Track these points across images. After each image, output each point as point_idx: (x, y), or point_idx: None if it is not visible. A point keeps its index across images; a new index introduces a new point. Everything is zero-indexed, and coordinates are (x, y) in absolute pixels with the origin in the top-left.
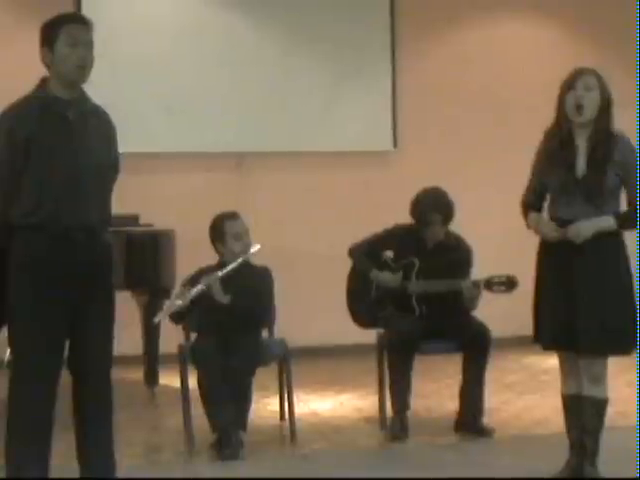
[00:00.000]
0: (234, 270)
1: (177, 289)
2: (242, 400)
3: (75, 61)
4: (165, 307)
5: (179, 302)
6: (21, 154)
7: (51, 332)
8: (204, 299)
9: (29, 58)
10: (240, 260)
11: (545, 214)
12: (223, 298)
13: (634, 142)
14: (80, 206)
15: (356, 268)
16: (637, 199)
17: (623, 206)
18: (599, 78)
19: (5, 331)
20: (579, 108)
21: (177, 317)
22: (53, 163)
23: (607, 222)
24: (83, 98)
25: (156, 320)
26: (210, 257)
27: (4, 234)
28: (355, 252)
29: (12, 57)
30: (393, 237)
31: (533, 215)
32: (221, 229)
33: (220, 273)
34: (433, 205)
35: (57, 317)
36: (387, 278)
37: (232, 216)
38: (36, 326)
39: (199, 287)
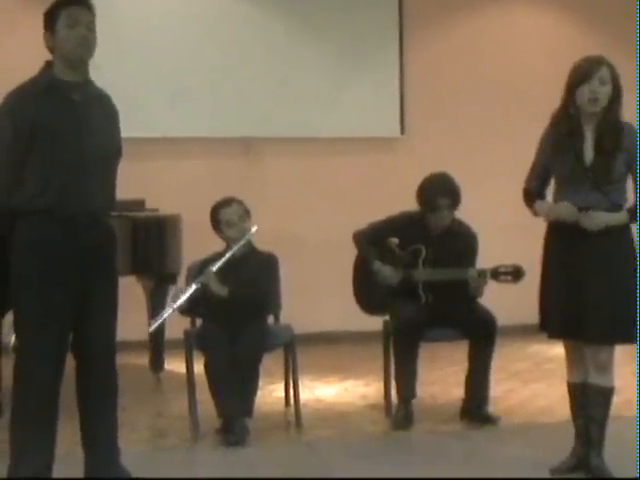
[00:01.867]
0: (235, 258)
1: (174, 289)
2: (248, 386)
3: (75, 39)
4: (161, 313)
5: (174, 306)
6: (26, 138)
7: (56, 316)
8: (206, 291)
9: (34, 44)
10: (237, 247)
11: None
12: (221, 290)
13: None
14: (85, 190)
15: (360, 254)
16: None
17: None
18: (612, 69)
19: (10, 316)
20: (595, 101)
21: (181, 312)
22: (58, 146)
23: (620, 217)
24: (87, 82)
25: (151, 329)
26: (216, 242)
27: (8, 219)
28: (359, 238)
29: (17, 43)
30: (398, 224)
31: (541, 203)
32: (216, 218)
33: (214, 267)
34: (441, 189)
35: (62, 301)
36: (387, 274)
37: (225, 203)
38: (41, 310)
39: (193, 286)
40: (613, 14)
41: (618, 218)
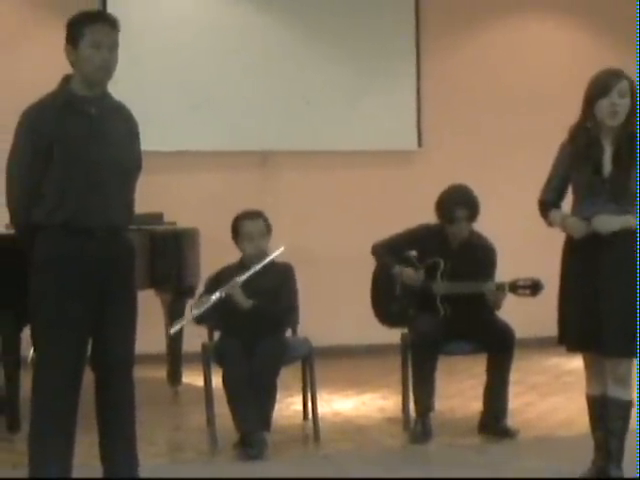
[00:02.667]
0: (254, 272)
1: (197, 297)
2: (266, 400)
3: (98, 63)
4: (183, 317)
5: (196, 312)
6: (43, 153)
7: (74, 330)
8: (227, 302)
9: (50, 55)
10: (261, 264)
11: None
12: (246, 303)
13: None
14: (103, 204)
15: (379, 264)
16: None
17: None
18: (631, 83)
19: (28, 330)
20: (615, 114)
21: (199, 320)
22: (76, 161)
23: (632, 220)
24: (105, 95)
25: (172, 331)
26: (234, 256)
27: (28, 233)
28: (378, 250)
29: (33, 54)
30: (417, 237)
31: (556, 212)
32: (237, 228)
33: (240, 279)
34: (459, 201)
35: (79, 314)
36: (410, 274)
37: (249, 216)
38: (59, 324)
39: (217, 295)
40: (629, 25)
41: (629, 221)
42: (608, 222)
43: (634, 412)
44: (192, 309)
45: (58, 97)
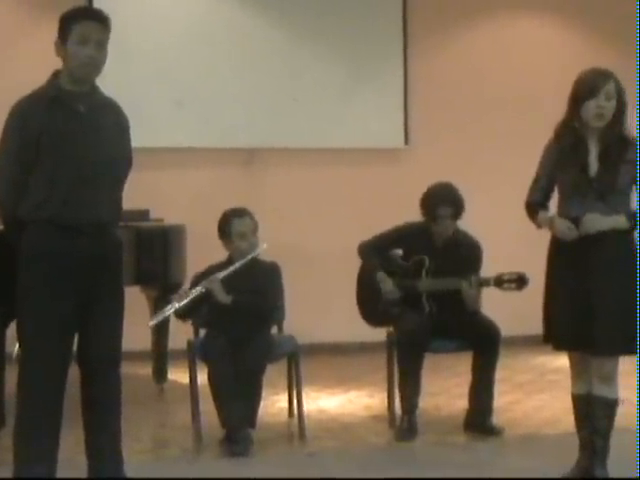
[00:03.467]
0: (239, 269)
1: (180, 290)
2: (252, 397)
3: (83, 59)
4: (163, 310)
5: (177, 305)
6: (31, 148)
7: (60, 326)
8: (210, 297)
9: (44, 54)
10: (243, 261)
11: (553, 213)
12: (225, 298)
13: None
14: (90, 200)
15: (364, 264)
16: None
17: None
18: (617, 83)
19: (13, 326)
20: (600, 117)
21: (181, 315)
22: (63, 157)
23: (620, 220)
24: (95, 91)
25: (151, 323)
26: (221, 252)
27: (15, 228)
28: (364, 250)
29: (30, 53)
30: (403, 235)
31: (544, 214)
32: (227, 227)
33: (221, 275)
34: (443, 199)
35: (66, 311)
36: (388, 288)
37: (239, 214)
38: (45, 319)
39: (198, 289)
40: (617, 24)
41: (617, 221)
42: (597, 222)
43: (635, 411)
44: (173, 301)
45: (46, 91)
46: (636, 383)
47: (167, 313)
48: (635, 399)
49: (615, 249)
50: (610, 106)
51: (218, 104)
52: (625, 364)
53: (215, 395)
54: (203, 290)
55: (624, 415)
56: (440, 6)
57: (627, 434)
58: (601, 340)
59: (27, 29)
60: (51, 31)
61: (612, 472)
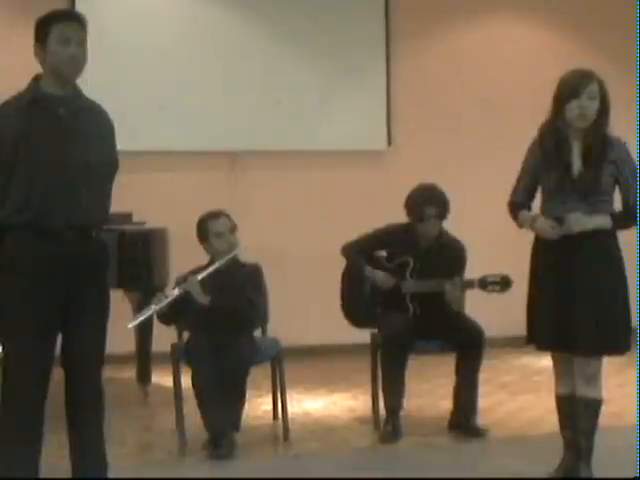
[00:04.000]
0: (220, 270)
1: (158, 293)
2: (236, 400)
3: (66, 58)
4: (142, 312)
5: (155, 307)
6: (9, 152)
7: (40, 330)
8: (189, 299)
9: (23, 57)
10: (223, 261)
11: (536, 212)
12: (203, 299)
13: (632, 140)
14: (69, 204)
15: (350, 266)
16: (632, 199)
17: (616, 206)
18: (601, 84)
19: None
20: (583, 117)
21: (163, 319)
22: (41, 161)
23: (604, 220)
24: (76, 94)
25: (130, 326)
26: (203, 255)
27: None
28: (348, 251)
29: (6, 56)
30: (386, 236)
31: (526, 213)
32: (204, 229)
33: (200, 276)
34: (429, 199)
35: (45, 315)
36: (381, 277)
37: (214, 215)
38: (25, 325)
39: (175, 291)
40: (599, 24)
41: (600, 221)
42: (581, 221)
43: (602, 410)
44: (152, 304)
45: (25, 96)
46: (636, 383)
47: (146, 315)
48: (635, 398)
49: (598, 249)
50: (593, 106)
51: (200, 107)
52: (608, 365)
53: (199, 399)
54: (181, 292)
55: (607, 415)
56: (422, 8)
57: (610, 434)
58: (582, 340)
59: (2, 33)
60: (28, 35)
61: (597, 472)
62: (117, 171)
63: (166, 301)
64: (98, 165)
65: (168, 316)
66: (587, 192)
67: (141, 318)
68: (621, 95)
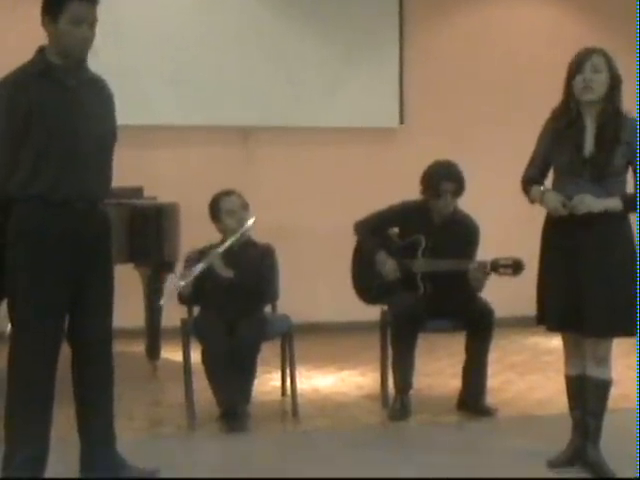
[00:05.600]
0: (235, 246)
1: (178, 270)
2: (246, 376)
3: (78, 40)
4: (168, 288)
5: (182, 283)
6: (20, 123)
7: (51, 303)
8: (207, 277)
9: (30, 33)
10: (238, 235)
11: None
12: (227, 272)
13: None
14: (80, 176)
15: (361, 245)
16: None
17: (628, 188)
18: (607, 58)
19: (5, 304)
20: (588, 89)
21: (185, 299)
22: (53, 132)
23: (614, 202)
24: (81, 67)
25: (161, 302)
26: (214, 231)
27: (4, 206)
28: (361, 229)
29: (13, 32)
30: (400, 214)
31: (536, 188)
32: (216, 207)
33: (220, 249)
34: (446, 175)
35: (57, 288)
36: (387, 268)
37: (226, 193)
38: (36, 297)
39: (201, 265)
40: (613, 6)
41: (609, 204)
42: (587, 202)
43: (612, 391)
44: (177, 280)
45: (34, 67)
46: (636, 365)
47: (172, 288)
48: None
49: (608, 231)
50: (598, 79)
51: (213, 82)
52: (618, 346)
53: (209, 374)
54: (205, 267)
55: (616, 396)
56: None
57: (619, 415)
58: (591, 322)
59: (11, 8)
60: (34, 8)
61: (604, 453)
62: (115, 143)
63: (191, 276)
64: (104, 137)
65: (191, 295)
66: (599, 174)
67: (169, 292)
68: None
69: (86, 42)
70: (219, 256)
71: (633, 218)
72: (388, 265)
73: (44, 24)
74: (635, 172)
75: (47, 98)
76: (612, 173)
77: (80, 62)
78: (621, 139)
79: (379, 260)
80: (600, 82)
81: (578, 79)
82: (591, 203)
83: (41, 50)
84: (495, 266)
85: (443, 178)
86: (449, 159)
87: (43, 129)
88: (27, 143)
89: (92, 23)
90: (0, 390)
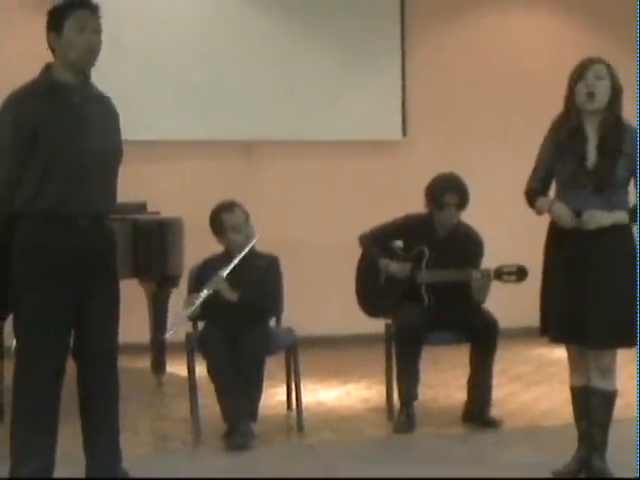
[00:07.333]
0: (240, 261)
1: (187, 297)
2: (252, 390)
3: (83, 46)
4: (175, 319)
5: (187, 312)
6: (26, 140)
7: (56, 319)
8: (217, 297)
9: (32, 45)
10: (243, 253)
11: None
12: (231, 296)
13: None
14: (85, 192)
15: (365, 256)
16: None
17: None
18: (609, 67)
19: (11, 319)
20: (590, 95)
21: (194, 320)
22: (59, 149)
23: (621, 216)
24: (87, 84)
25: (168, 335)
26: (217, 245)
27: (9, 223)
28: (365, 240)
29: (15, 43)
30: (403, 226)
31: (544, 199)
32: (220, 223)
33: (225, 272)
34: (450, 187)
35: (62, 304)
36: (395, 268)
37: (228, 207)
38: (41, 313)
39: (205, 292)
40: (616, 16)
41: (617, 217)
42: (598, 218)
43: (617, 402)
44: (183, 309)
45: (41, 84)
46: (636, 378)
47: (180, 322)
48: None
49: (612, 244)
50: (601, 86)
51: (215, 97)
52: (622, 356)
53: (216, 389)
54: (210, 292)
55: (621, 406)
56: None
57: (625, 425)
58: (594, 333)
59: (16, 19)
60: (40, 25)
61: (610, 464)
62: (121, 160)
63: (197, 303)
64: (109, 154)
65: (199, 317)
66: (602, 186)
67: (176, 326)
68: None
69: (92, 47)
70: (224, 280)
71: (634, 228)
72: (393, 266)
73: (49, 42)
74: (636, 184)
75: (52, 115)
76: (615, 184)
77: (86, 71)
78: (623, 150)
79: (383, 266)
80: (603, 89)
81: (580, 86)
82: (601, 219)
83: (47, 67)
84: (499, 273)
85: (447, 191)
86: (453, 172)
87: (48, 146)
88: (33, 160)
89: (96, 30)
90: (7, 404)
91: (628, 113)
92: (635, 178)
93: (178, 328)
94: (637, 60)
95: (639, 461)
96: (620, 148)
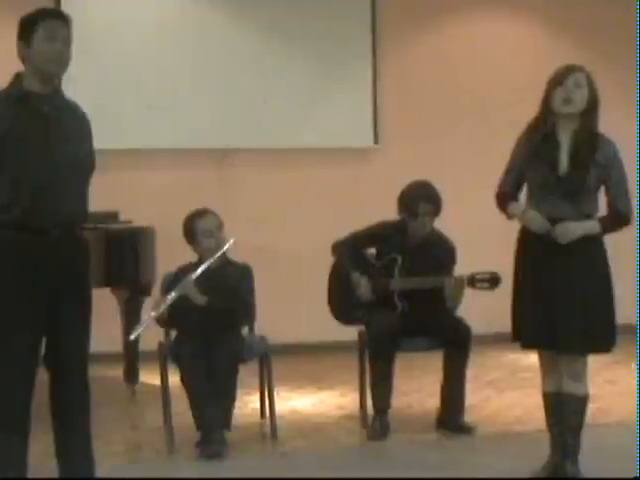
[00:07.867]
0: (211, 269)
1: (153, 300)
2: (226, 399)
3: (52, 55)
4: (142, 322)
5: (153, 314)
6: None
7: (26, 329)
8: (182, 303)
9: (5, 54)
10: (214, 258)
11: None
12: (200, 300)
13: (631, 144)
14: (56, 202)
15: (337, 265)
16: (621, 206)
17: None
18: (588, 76)
19: None
20: (569, 102)
21: (162, 323)
22: (28, 159)
23: (592, 226)
24: (57, 93)
25: (132, 337)
26: (191, 253)
27: None
28: (338, 249)
29: None
30: (377, 234)
31: (516, 204)
32: (192, 229)
33: (194, 276)
34: (423, 196)
35: (32, 314)
36: (362, 290)
37: (201, 214)
38: (11, 323)
39: (173, 295)
40: (593, 23)
41: (590, 228)
42: (571, 231)
43: (589, 407)
44: (150, 311)
45: (10, 94)
46: (636, 383)
47: (145, 324)
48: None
49: (581, 248)
50: (579, 93)
51: (188, 105)
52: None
53: (189, 398)
54: (178, 295)
55: (594, 412)
56: (409, 6)
57: (598, 431)
58: (565, 339)
59: None
60: (9, 31)
61: (583, 469)
62: (94, 170)
63: (164, 306)
64: (80, 163)
65: (167, 320)
66: (572, 192)
67: (141, 327)
68: (618, 97)
69: (61, 57)
70: (192, 283)
71: (632, 233)
72: (362, 286)
73: (19, 51)
74: (609, 193)
75: (22, 124)
76: (585, 192)
77: (55, 80)
78: (596, 159)
79: (354, 281)
80: (581, 96)
81: (559, 91)
82: (574, 232)
83: (17, 76)
84: (472, 280)
85: (421, 199)
86: (425, 179)
87: (18, 155)
88: (2, 170)
89: (65, 40)
90: None
91: (628, 114)
92: (608, 187)
93: (143, 329)
94: (637, 60)
95: (639, 461)
96: (593, 157)
